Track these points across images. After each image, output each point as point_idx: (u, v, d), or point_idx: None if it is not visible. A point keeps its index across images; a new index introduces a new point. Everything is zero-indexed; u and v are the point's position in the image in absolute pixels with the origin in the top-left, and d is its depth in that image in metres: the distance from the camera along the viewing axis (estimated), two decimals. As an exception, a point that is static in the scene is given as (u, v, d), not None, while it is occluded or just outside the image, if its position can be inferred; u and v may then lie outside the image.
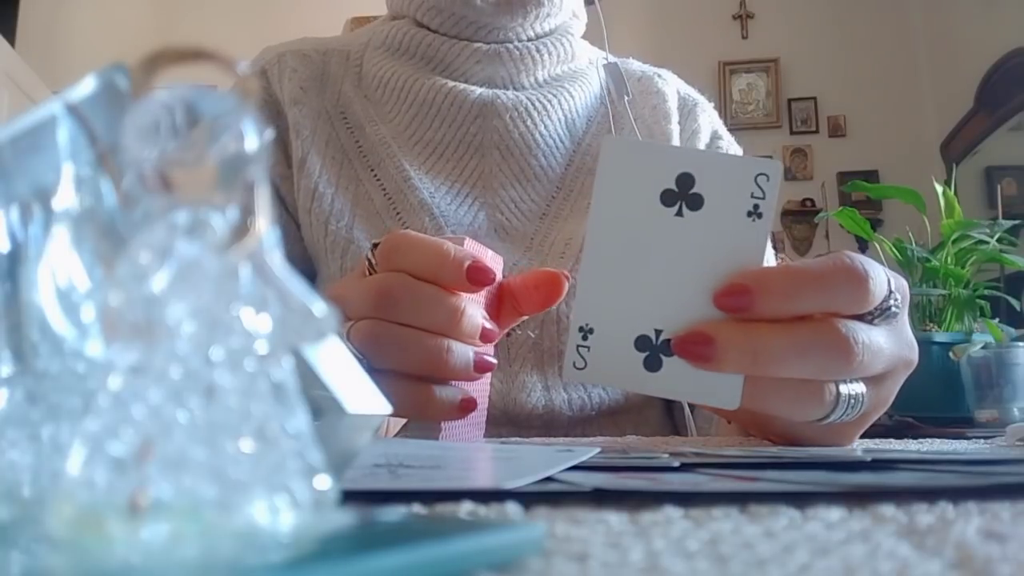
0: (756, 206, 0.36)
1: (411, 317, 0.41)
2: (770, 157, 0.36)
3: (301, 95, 0.72)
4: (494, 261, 0.46)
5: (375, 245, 0.44)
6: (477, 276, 0.41)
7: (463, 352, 0.41)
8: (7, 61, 2.70)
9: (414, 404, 0.41)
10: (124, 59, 0.16)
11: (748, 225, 0.36)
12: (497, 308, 0.46)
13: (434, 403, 0.41)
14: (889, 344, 0.38)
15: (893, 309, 0.38)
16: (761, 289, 0.35)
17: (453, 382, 0.42)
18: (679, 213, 0.36)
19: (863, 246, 2.56)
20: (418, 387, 0.41)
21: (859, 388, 0.39)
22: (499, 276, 0.47)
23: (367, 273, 0.44)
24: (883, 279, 0.37)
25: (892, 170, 3.27)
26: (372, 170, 0.69)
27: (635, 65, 0.81)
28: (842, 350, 0.36)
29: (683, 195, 0.36)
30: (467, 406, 0.42)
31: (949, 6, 3.29)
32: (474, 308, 0.42)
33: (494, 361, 0.43)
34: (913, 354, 0.41)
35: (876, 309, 0.37)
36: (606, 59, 0.78)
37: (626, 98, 0.74)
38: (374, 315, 0.41)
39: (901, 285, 0.39)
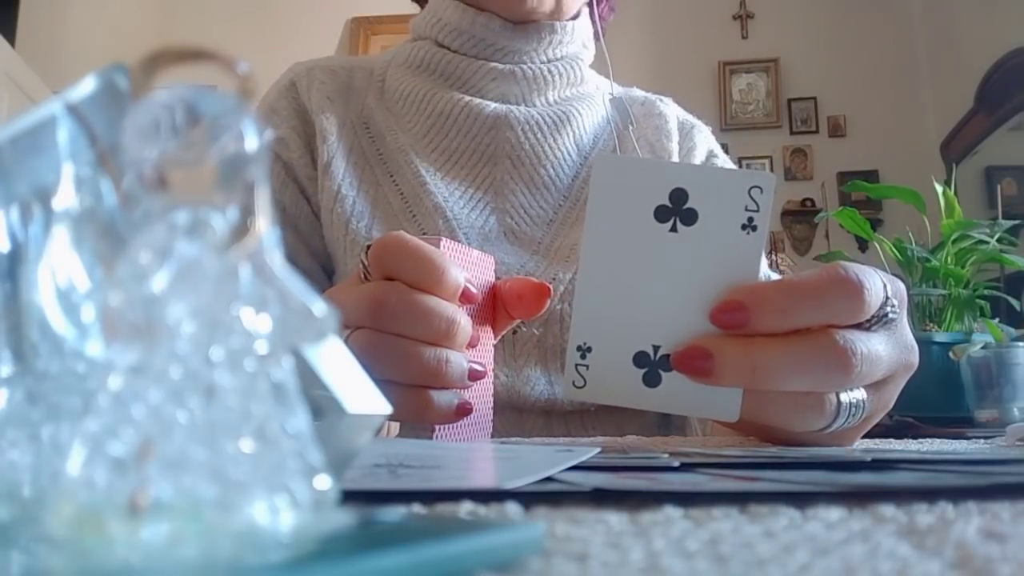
0: (750, 219, 0.36)
1: (407, 328, 0.41)
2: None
3: (328, 104, 0.77)
4: (481, 260, 0.46)
5: (368, 247, 0.44)
6: (467, 294, 0.43)
7: (459, 362, 0.42)
8: (7, 61, 2.69)
9: (413, 410, 0.42)
10: (124, 59, 0.16)
11: (742, 238, 0.36)
12: (492, 309, 0.47)
13: (432, 408, 0.42)
14: (888, 350, 0.38)
15: (890, 315, 0.38)
16: (756, 305, 0.35)
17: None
18: (673, 229, 0.36)
19: (863, 246, 2.56)
20: (416, 393, 0.42)
21: (860, 395, 0.39)
22: (491, 273, 0.47)
23: (361, 276, 0.45)
24: (879, 287, 0.37)
25: (892, 170, 3.27)
26: (391, 175, 0.74)
27: (638, 93, 0.87)
28: (841, 362, 0.36)
29: (677, 210, 0.36)
30: (464, 410, 0.43)
31: (949, 6, 3.29)
32: (466, 318, 0.42)
33: (484, 369, 0.44)
34: (913, 356, 0.41)
35: (873, 317, 0.37)
36: (611, 93, 0.82)
37: (631, 127, 0.79)
38: (369, 325, 0.42)
39: (898, 290, 0.39)
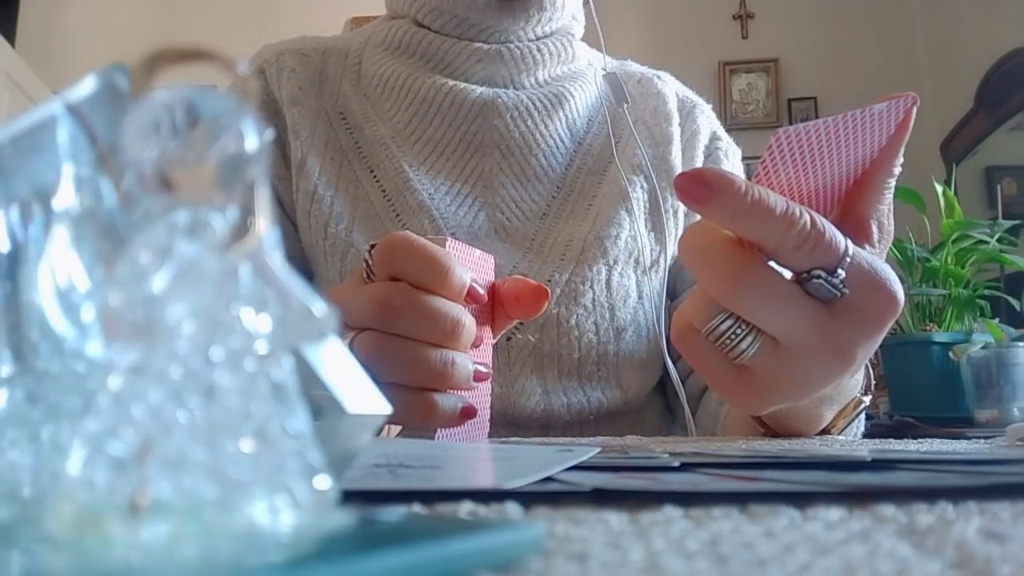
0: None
1: (413, 329, 0.41)
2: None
3: (300, 95, 0.71)
4: (482, 260, 0.46)
5: (372, 247, 0.44)
6: (473, 293, 0.43)
7: (464, 364, 0.42)
8: (7, 61, 2.69)
9: (417, 414, 0.42)
10: (124, 59, 0.16)
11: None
12: (492, 308, 0.47)
13: (436, 412, 0.42)
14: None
15: (828, 280, 0.37)
16: (721, 191, 0.36)
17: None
18: None
19: (863, 246, 2.56)
20: (421, 397, 0.42)
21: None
22: (491, 273, 0.47)
23: (365, 276, 0.44)
24: (838, 244, 0.37)
25: (892, 170, 3.26)
26: (371, 171, 0.69)
27: (634, 67, 0.82)
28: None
29: None
30: (468, 413, 0.42)
31: (949, 6, 3.29)
32: (470, 318, 0.42)
33: (488, 371, 0.44)
34: (897, 288, 0.39)
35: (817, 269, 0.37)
36: (604, 67, 0.78)
37: (625, 105, 0.74)
38: (375, 326, 0.42)
39: (869, 259, 0.39)
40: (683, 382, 0.66)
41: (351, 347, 0.42)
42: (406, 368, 0.41)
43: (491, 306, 0.47)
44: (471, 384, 0.43)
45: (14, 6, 3.24)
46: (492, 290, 0.47)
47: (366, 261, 0.44)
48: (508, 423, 0.62)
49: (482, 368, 0.43)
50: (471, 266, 0.44)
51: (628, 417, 0.68)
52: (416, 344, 0.41)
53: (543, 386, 0.63)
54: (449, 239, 0.44)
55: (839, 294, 0.38)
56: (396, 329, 0.41)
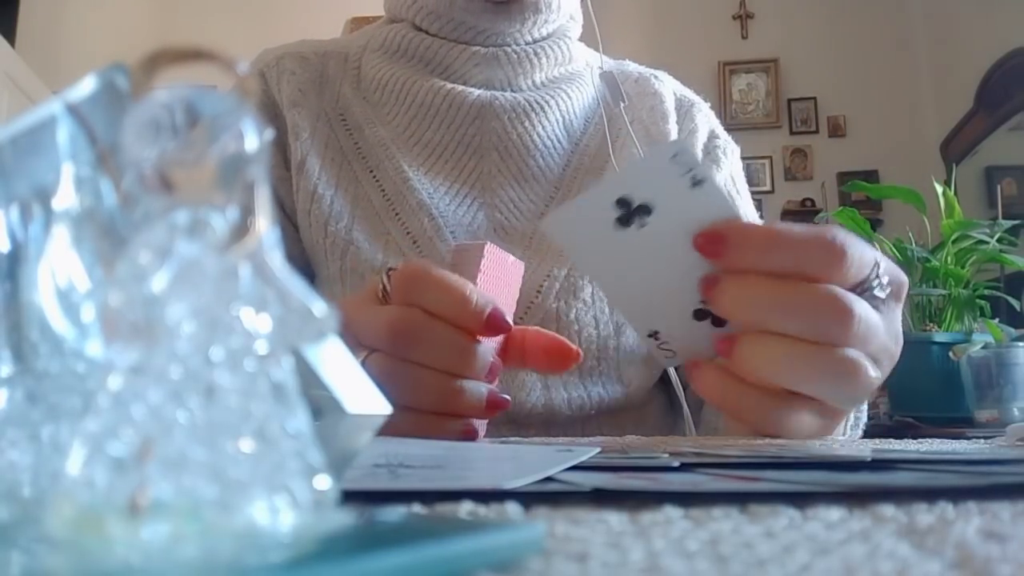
0: (693, 177, 0.38)
1: (425, 357, 0.42)
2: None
3: (300, 97, 0.72)
4: (514, 267, 0.46)
5: (390, 270, 0.44)
6: (495, 324, 0.42)
7: (475, 391, 0.42)
8: (7, 61, 2.69)
9: (422, 433, 0.42)
10: (124, 59, 0.16)
11: (700, 195, 0.38)
12: (504, 349, 0.46)
13: (441, 433, 0.42)
14: (882, 325, 0.39)
15: (874, 291, 0.38)
16: (736, 239, 0.37)
17: None
18: (641, 225, 0.39)
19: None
20: (427, 419, 0.42)
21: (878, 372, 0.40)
22: (519, 280, 0.47)
23: (380, 296, 0.45)
24: (866, 259, 0.39)
25: (892, 170, 3.27)
26: (371, 171, 0.70)
27: (632, 67, 0.82)
28: (840, 313, 0.37)
29: (633, 212, 0.39)
30: (469, 435, 0.43)
31: (949, 6, 3.29)
32: (486, 347, 0.42)
33: (508, 398, 0.44)
34: (897, 348, 0.41)
35: (858, 286, 0.38)
36: (601, 66, 0.78)
37: (622, 104, 0.74)
38: (388, 350, 0.42)
39: (892, 270, 0.40)
40: (685, 385, 0.66)
41: (363, 365, 0.42)
42: (416, 393, 0.41)
43: (503, 344, 0.46)
44: (482, 411, 0.43)
45: (14, 6, 3.24)
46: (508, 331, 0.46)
47: (383, 283, 0.44)
48: (508, 420, 0.63)
49: (500, 395, 0.43)
50: (503, 272, 0.44)
51: (630, 414, 0.68)
52: (427, 371, 0.41)
53: (543, 381, 0.63)
54: (488, 244, 0.44)
55: (885, 295, 0.40)
56: (408, 355, 0.42)
